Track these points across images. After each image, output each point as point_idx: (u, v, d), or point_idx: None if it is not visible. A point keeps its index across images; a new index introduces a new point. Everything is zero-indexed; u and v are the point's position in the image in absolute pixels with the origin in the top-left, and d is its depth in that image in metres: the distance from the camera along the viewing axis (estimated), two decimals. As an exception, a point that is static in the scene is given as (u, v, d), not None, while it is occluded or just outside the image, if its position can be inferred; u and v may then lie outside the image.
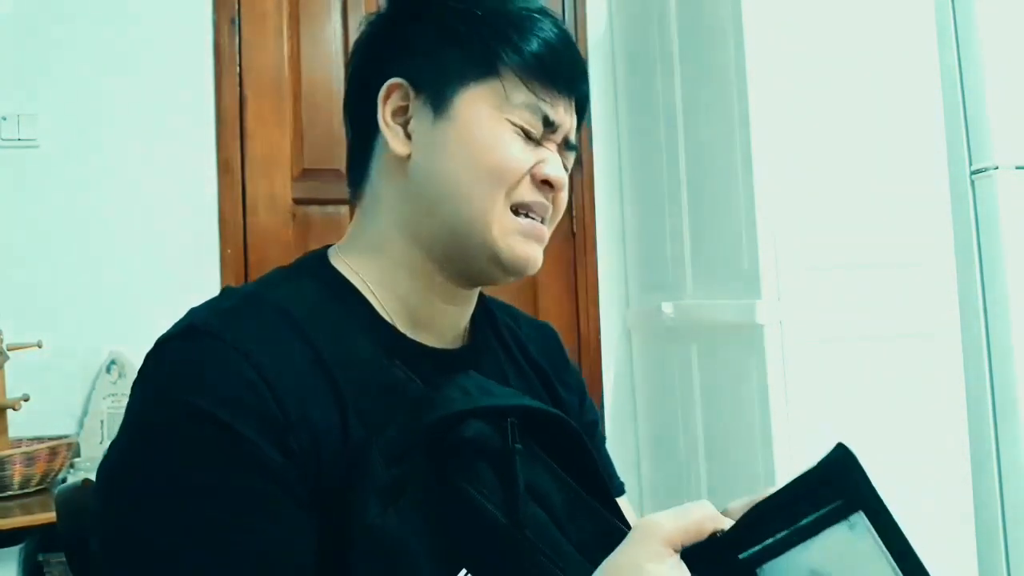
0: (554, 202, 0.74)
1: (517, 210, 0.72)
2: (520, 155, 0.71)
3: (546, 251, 0.76)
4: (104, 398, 1.93)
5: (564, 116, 0.73)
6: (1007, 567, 1.83)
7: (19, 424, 1.75)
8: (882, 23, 1.87)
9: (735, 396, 1.84)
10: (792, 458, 1.66)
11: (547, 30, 0.72)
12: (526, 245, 0.72)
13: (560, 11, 2.44)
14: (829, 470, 0.49)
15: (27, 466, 1.63)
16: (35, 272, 1.95)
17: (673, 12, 2.09)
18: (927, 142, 1.88)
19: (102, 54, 2.04)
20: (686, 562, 0.50)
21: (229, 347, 0.60)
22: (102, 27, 2.04)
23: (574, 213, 2.41)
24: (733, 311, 1.82)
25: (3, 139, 1.95)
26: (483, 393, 0.65)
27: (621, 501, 0.81)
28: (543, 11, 0.74)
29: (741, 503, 0.54)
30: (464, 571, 0.57)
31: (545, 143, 0.73)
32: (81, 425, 1.94)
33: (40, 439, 1.77)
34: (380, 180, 0.75)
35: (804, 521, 0.49)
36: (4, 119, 1.95)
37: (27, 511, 1.52)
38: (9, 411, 1.72)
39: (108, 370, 1.94)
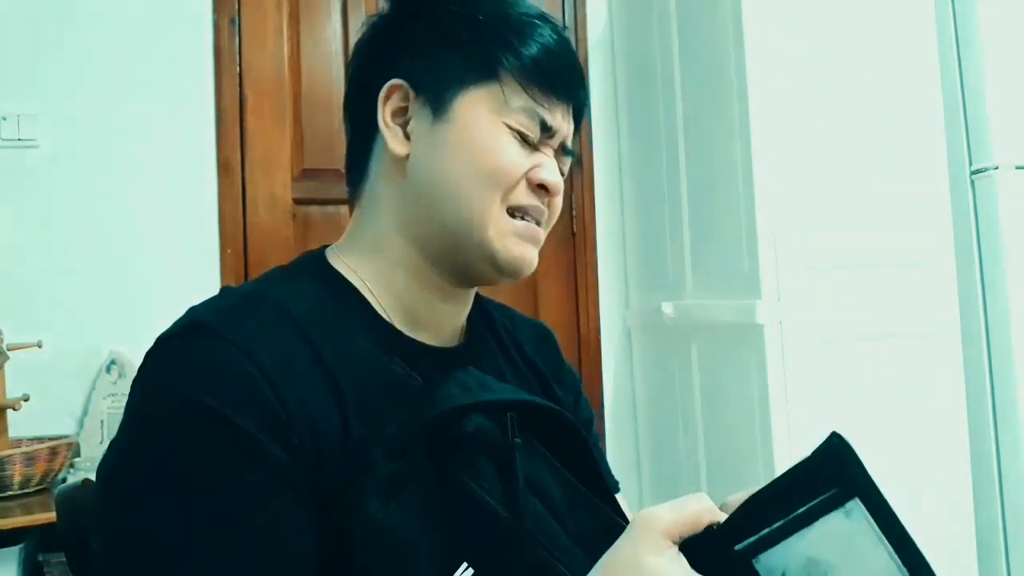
0: (549, 206, 0.75)
1: (513, 212, 0.72)
2: (517, 159, 0.71)
3: (546, 251, 0.76)
4: (104, 398, 1.93)
5: (562, 122, 0.74)
6: (1007, 567, 1.83)
7: (19, 424, 1.75)
8: (882, 23, 1.87)
9: (735, 396, 1.84)
10: (792, 458, 1.65)
11: (547, 36, 0.73)
12: (522, 247, 0.73)
13: (560, 11, 2.44)
14: (824, 459, 0.50)
15: (27, 466, 1.63)
16: (35, 272, 1.95)
17: (673, 12, 2.09)
18: (927, 142, 1.88)
19: (102, 54, 2.04)
20: (684, 554, 0.51)
21: (230, 344, 0.60)
22: (102, 27, 2.04)
23: (574, 213, 2.41)
24: (733, 311, 1.82)
25: (3, 139, 1.95)
26: (483, 389, 0.65)
27: (617, 498, 0.81)
28: (543, 17, 0.75)
29: (739, 497, 0.54)
30: (464, 564, 0.58)
31: (542, 148, 0.74)
32: (81, 425, 1.94)
33: (40, 439, 1.77)
34: (379, 180, 0.76)
35: (800, 510, 0.49)
36: (4, 119, 1.95)
37: (27, 511, 1.53)
38: (9, 411, 1.72)
39: (108, 370, 1.95)
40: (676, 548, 0.51)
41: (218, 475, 0.57)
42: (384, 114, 0.73)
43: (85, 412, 1.95)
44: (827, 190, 1.79)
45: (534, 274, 0.76)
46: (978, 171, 1.90)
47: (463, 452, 0.61)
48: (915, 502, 1.55)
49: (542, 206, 0.74)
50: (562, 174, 0.76)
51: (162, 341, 0.63)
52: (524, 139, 0.72)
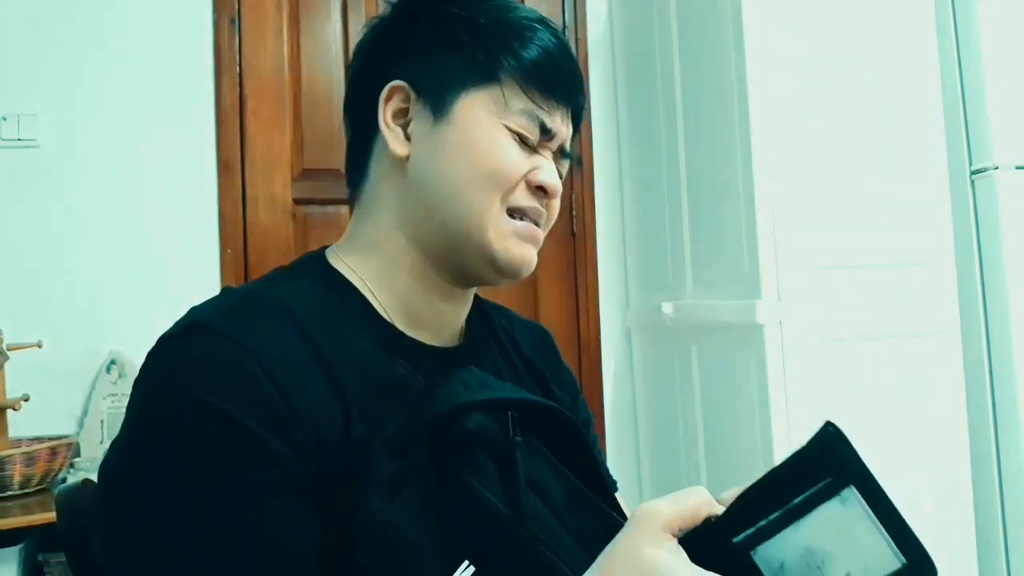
0: (548, 208, 0.76)
1: (512, 213, 0.73)
2: (516, 160, 0.72)
3: (546, 252, 0.77)
4: (104, 398, 1.93)
5: (560, 125, 0.75)
6: (1007, 567, 1.83)
7: (19, 424, 1.75)
8: (882, 23, 1.87)
9: (735, 396, 1.84)
10: (792, 458, 1.66)
11: (547, 40, 0.74)
12: (521, 247, 0.74)
13: (560, 11, 2.44)
14: (818, 448, 0.50)
15: (27, 466, 1.63)
16: (35, 272, 1.95)
17: (673, 12, 2.09)
18: (927, 142, 1.88)
19: (102, 54, 2.04)
20: (683, 546, 0.51)
21: (232, 343, 0.60)
22: (102, 27, 2.04)
23: (574, 213, 2.41)
24: (733, 311, 1.82)
25: (3, 139, 1.95)
26: (483, 387, 0.66)
27: (616, 497, 0.82)
28: (543, 21, 0.76)
29: (733, 492, 0.54)
30: (466, 563, 0.58)
31: (541, 150, 0.74)
32: (81, 425, 1.94)
33: (40, 439, 1.77)
34: (379, 180, 0.76)
35: (796, 500, 0.50)
36: (4, 119, 1.95)
37: (27, 511, 1.53)
38: (9, 411, 1.72)
39: (108, 370, 1.95)
40: (675, 541, 0.51)
41: (221, 473, 0.57)
42: (385, 115, 0.74)
43: (85, 412, 1.95)
44: (827, 190, 1.79)
45: (534, 274, 0.76)
46: (978, 171, 1.90)
47: (464, 450, 0.61)
48: (915, 502, 1.54)
49: (541, 208, 0.75)
50: (560, 176, 0.77)
51: (164, 340, 0.63)
52: (523, 141, 0.73)
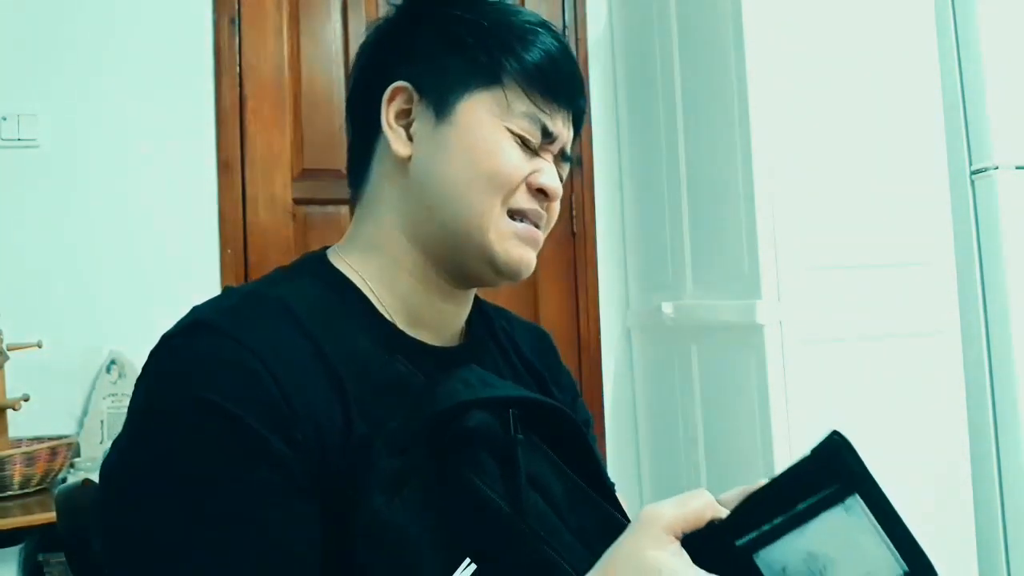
0: (548, 211, 0.77)
1: (513, 215, 0.74)
2: (517, 163, 0.72)
3: (546, 252, 0.77)
4: (104, 398, 1.93)
5: (562, 128, 0.76)
6: (1007, 567, 1.83)
7: (19, 424, 1.75)
8: (882, 23, 1.87)
9: (735, 396, 1.84)
10: (792, 458, 1.65)
11: (549, 43, 0.74)
12: (521, 249, 0.74)
13: (560, 12, 2.44)
14: (824, 456, 0.51)
15: (27, 466, 1.63)
16: (35, 272, 1.95)
17: (673, 12, 2.09)
18: (927, 142, 1.88)
19: (102, 54, 2.04)
20: (686, 549, 0.52)
21: (234, 342, 0.60)
22: (102, 27, 2.04)
23: (574, 213, 2.41)
24: (733, 311, 1.82)
25: (3, 139, 1.95)
26: (484, 385, 0.66)
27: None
28: (545, 24, 0.76)
29: (733, 493, 0.55)
30: (467, 560, 0.58)
31: (542, 153, 0.75)
32: (81, 425, 1.94)
33: (40, 439, 1.77)
34: (381, 181, 0.76)
35: (800, 506, 0.50)
36: (4, 119, 1.95)
37: (27, 511, 1.53)
38: (9, 411, 1.72)
39: (108, 370, 1.95)
40: (679, 543, 0.52)
41: (223, 471, 0.57)
42: (388, 115, 0.74)
43: (85, 412, 1.95)
44: (827, 190, 1.79)
45: (534, 274, 0.77)
46: (978, 171, 1.90)
47: (465, 448, 0.61)
48: (915, 502, 1.54)
49: (541, 210, 0.75)
50: (561, 179, 0.77)
51: (166, 340, 0.63)
52: (525, 144, 0.73)
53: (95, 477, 0.64)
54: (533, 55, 0.73)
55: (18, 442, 1.73)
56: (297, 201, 2.17)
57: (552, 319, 2.35)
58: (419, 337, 0.74)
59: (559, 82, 0.74)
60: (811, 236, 1.77)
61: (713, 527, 0.52)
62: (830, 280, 1.77)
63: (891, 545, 0.49)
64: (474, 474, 0.61)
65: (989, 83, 1.89)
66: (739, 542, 0.51)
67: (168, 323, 0.65)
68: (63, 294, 1.96)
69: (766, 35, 1.78)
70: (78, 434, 1.93)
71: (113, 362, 1.95)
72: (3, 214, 1.95)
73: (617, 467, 2.37)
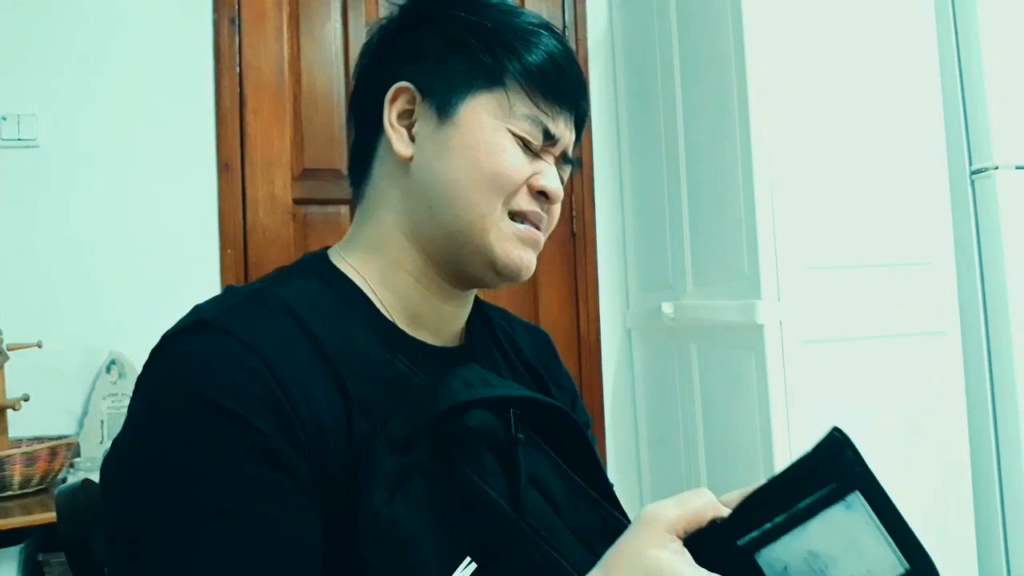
0: (549, 213, 0.77)
1: (513, 217, 0.74)
2: (519, 165, 0.73)
3: (546, 252, 0.77)
4: (104, 398, 1.93)
5: (564, 130, 0.76)
6: (1007, 567, 1.83)
7: (19, 424, 1.75)
8: (882, 23, 1.87)
9: (735, 396, 1.84)
10: (792, 458, 1.66)
11: (552, 46, 0.75)
12: (522, 251, 0.74)
13: (560, 12, 2.44)
14: (825, 453, 0.51)
15: (27, 466, 1.63)
16: (35, 272, 1.95)
17: (673, 12, 2.09)
18: (927, 142, 1.88)
19: (102, 54, 2.04)
20: (688, 548, 0.52)
21: (236, 340, 0.61)
22: (102, 27, 2.04)
23: (574, 213, 2.41)
24: (733, 311, 1.82)
25: (3, 139, 1.95)
26: (485, 385, 0.66)
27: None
28: (548, 26, 0.76)
29: (735, 495, 0.55)
30: (468, 558, 0.58)
31: (544, 155, 0.75)
32: (81, 425, 1.95)
33: (40, 439, 1.77)
34: (382, 181, 0.76)
35: (801, 505, 0.50)
36: (4, 119, 1.95)
37: (27, 511, 1.53)
38: (9, 411, 1.72)
39: (108, 370, 1.95)
40: (680, 542, 0.52)
41: (225, 469, 0.57)
42: (390, 116, 0.74)
43: (85, 412, 1.95)
44: (827, 190, 1.79)
45: (534, 274, 0.77)
46: (978, 171, 1.90)
47: (466, 446, 0.62)
48: (915, 501, 1.54)
49: (542, 212, 0.75)
50: (562, 182, 0.77)
51: (168, 338, 0.63)
52: (527, 146, 0.73)
53: (95, 477, 0.64)
54: (536, 57, 0.73)
55: (18, 442, 1.73)
56: (297, 201, 2.17)
57: (552, 319, 2.35)
58: (419, 337, 0.74)
59: (561, 84, 0.74)
60: (811, 236, 1.77)
61: (714, 526, 0.52)
62: (830, 280, 1.77)
63: (892, 543, 0.49)
64: (475, 473, 0.61)
65: (989, 83, 1.89)
66: (741, 541, 0.51)
67: (168, 323, 0.65)
68: (63, 294, 1.96)
69: (766, 36, 1.78)
70: (78, 434, 1.93)
71: (113, 362, 1.95)
72: (3, 214, 1.95)
73: (617, 467, 2.37)
